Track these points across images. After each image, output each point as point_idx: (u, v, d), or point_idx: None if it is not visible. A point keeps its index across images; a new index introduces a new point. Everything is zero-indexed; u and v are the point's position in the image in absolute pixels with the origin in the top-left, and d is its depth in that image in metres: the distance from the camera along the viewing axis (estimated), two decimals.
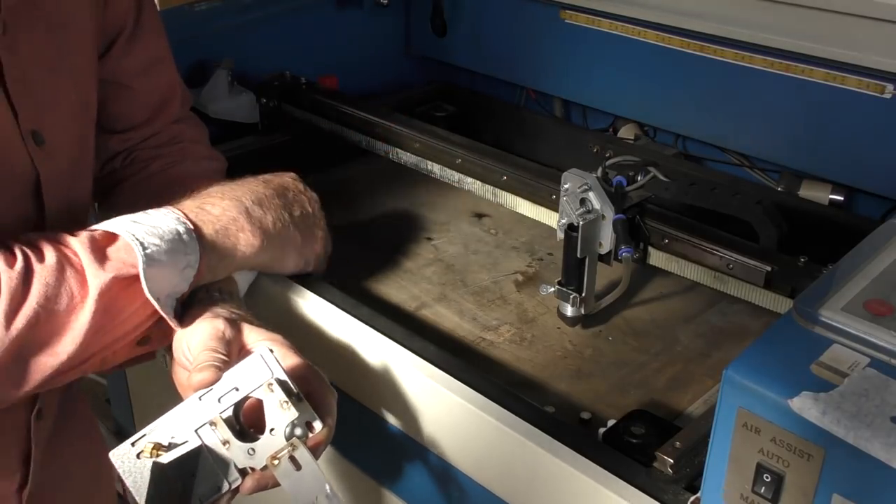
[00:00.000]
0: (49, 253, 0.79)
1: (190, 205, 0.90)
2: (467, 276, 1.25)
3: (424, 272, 1.26)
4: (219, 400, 0.79)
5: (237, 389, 0.79)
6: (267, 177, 1.00)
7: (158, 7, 1.15)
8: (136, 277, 0.81)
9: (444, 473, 0.97)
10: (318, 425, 0.79)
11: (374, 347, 1.00)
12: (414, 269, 1.27)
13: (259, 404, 0.79)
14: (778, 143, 1.38)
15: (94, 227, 0.85)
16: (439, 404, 0.94)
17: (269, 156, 1.49)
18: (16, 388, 0.79)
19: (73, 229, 0.85)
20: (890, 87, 1.22)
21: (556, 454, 0.84)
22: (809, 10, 1.27)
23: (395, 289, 1.22)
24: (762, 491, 0.65)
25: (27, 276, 0.77)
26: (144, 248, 0.81)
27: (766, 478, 0.64)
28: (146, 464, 0.78)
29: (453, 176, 1.32)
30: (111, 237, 0.83)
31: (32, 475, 0.98)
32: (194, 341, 0.84)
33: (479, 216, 1.41)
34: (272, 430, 0.78)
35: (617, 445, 0.87)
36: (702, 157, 1.53)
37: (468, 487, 0.94)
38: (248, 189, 0.95)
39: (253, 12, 1.61)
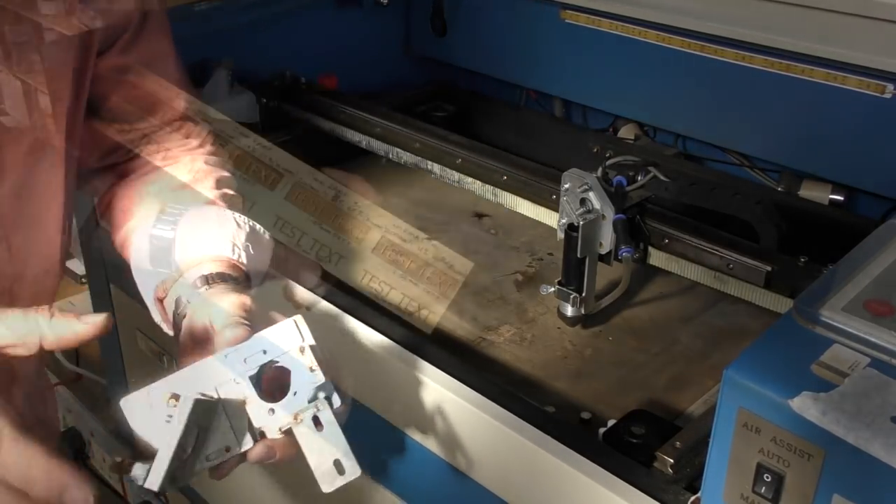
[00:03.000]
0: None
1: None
2: (467, 276, 1.25)
3: (425, 272, 1.26)
4: (244, 360, 0.79)
5: (265, 352, 0.79)
6: None
7: None
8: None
9: (443, 473, 0.97)
10: (337, 401, 0.79)
11: (374, 347, 1.00)
12: (414, 269, 1.26)
13: (276, 377, 0.79)
14: (778, 143, 1.38)
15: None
16: (439, 404, 0.94)
17: None
18: None
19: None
20: (890, 87, 1.22)
21: (557, 454, 0.84)
22: (809, 10, 1.27)
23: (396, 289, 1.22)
24: (762, 491, 0.65)
25: None
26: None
27: (767, 478, 0.64)
28: (161, 413, 0.76)
29: (453, 176, 1.32)
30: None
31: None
32: (219, 310, 0.84)
33: (479, 216, 1.40)
34: (295, 392, 0.78)
35: (617, 445, 0.87)
36: (702, 157, 1.52)
37: (468, 487, 0.94)
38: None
39: (253, 12, 1.61)
